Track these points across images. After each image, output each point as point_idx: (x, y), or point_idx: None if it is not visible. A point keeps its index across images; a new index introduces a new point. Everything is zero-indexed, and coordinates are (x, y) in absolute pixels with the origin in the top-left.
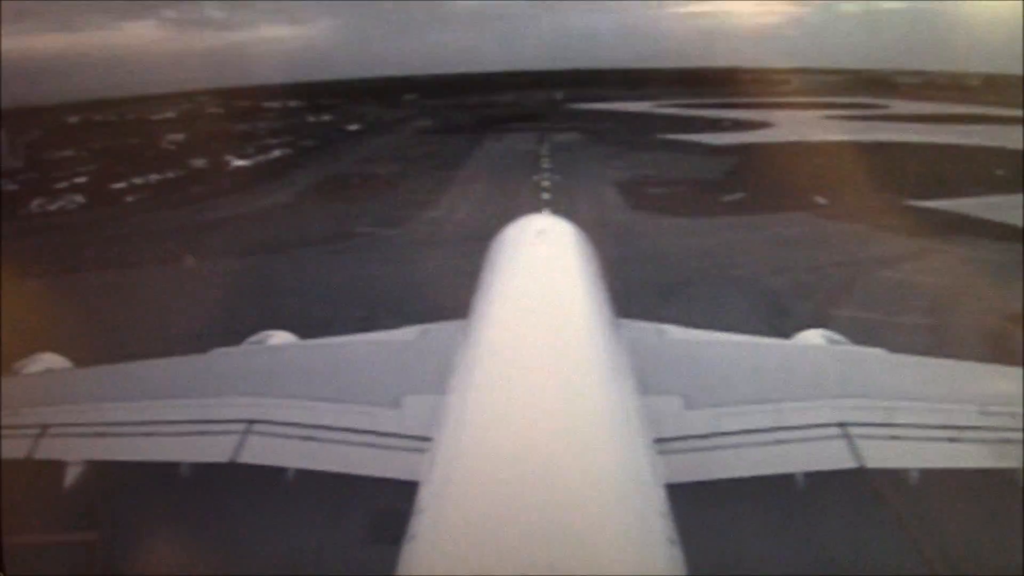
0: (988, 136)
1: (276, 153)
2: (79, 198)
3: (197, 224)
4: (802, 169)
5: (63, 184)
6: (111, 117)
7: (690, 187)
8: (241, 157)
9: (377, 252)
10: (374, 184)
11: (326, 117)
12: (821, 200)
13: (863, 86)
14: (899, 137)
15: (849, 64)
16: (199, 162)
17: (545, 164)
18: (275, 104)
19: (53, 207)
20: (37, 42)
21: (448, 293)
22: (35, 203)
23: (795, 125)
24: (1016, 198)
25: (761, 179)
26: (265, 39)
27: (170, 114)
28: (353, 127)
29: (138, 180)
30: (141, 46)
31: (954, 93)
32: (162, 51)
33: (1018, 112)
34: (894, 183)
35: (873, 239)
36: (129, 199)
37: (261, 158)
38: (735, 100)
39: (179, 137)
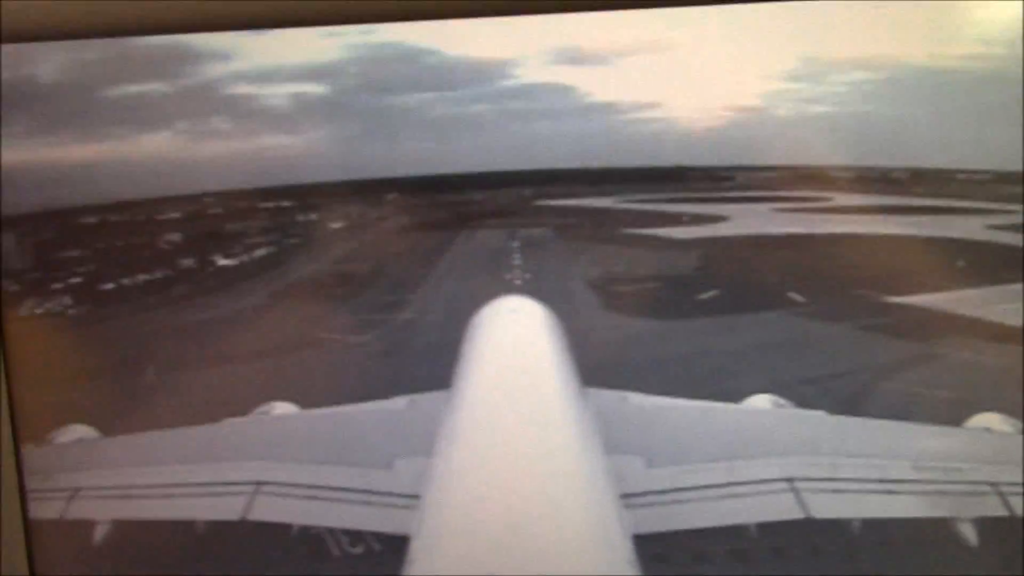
0: (936, 227)
1: (261, 252)
2: (67, 300)
3: (167, 329)
4: (769, 263)
5: (59, 285)
6: (125, 217)
7: (662, 284)
8: (228, 256)
9: (336, 364)
10: (349, 283)
11: (313, 216)
12: (798, 297)
13: (801, 180)
14: (853, 229)
15: (785, 161)
16: (188, 262)
17: (516, 261)
18: (269, 204)
19: (40, 310)
20: (65, 151)
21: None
22: (26, 305)
23: (749, 218)
24: (988, 291)
25: (732, 275)
26: (265, 147)
27: (175, 214)
28: (337, 225)
29: (127, 281)
30: (157, 154)
31: (884, 186)
32: (175, 158)
33: (951, 203)
34: (864, 277)
35: (863, 343)
36: (113, 301)
37: (246, 257)
38: (688, 195)
39: (176, 237)
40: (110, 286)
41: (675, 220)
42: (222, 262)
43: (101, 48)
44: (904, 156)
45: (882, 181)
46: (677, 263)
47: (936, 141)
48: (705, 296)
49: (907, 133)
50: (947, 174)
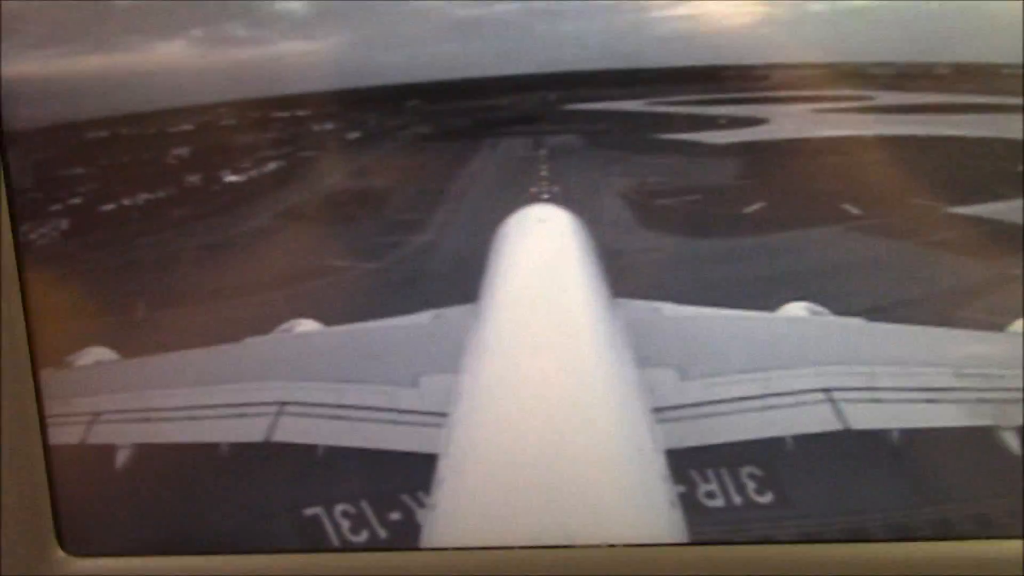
0: (987, 126)
1: (271, 166)
2: (64, 223)
3: (165, 256)
4: (817, 170)
5: (57, 206)
6: (135, 131)
7: (703, 196)
8: (236, 172)
9: (342, 299)
10: (364, 202)
11: (329, 126)
12: (853, 209)
13: (840, 78)
14: (900, 130)
15: (822, 58)
16: (194, 178)
17: (543, 172)
18: (284, 114)
19: (34, 235)
20: (76, 62)
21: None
22: (21, 229)
23: (789, 119)
24: None
25: (777, 184)
26: (282, 53)
27: (187, 126)
28: (353, 135)
29: (127, 201)
30: (171, 63)
31: (928, 82)
32: (190, 67)
33: (997, 100)
34: (921, 185)
35: (931, 263)
36: (112, 224)
37: (255, 172)
38: (722, 96)
39: (184, 151)
40: (110, 207)
41: (711, 123)
42: (229, 178)
43: None
44: (945, 51)
45: (925, 78)
46: (717, 172)
47: (977, 34)
48: (750, 209)
49: (946, 26)
50: (991, 68)
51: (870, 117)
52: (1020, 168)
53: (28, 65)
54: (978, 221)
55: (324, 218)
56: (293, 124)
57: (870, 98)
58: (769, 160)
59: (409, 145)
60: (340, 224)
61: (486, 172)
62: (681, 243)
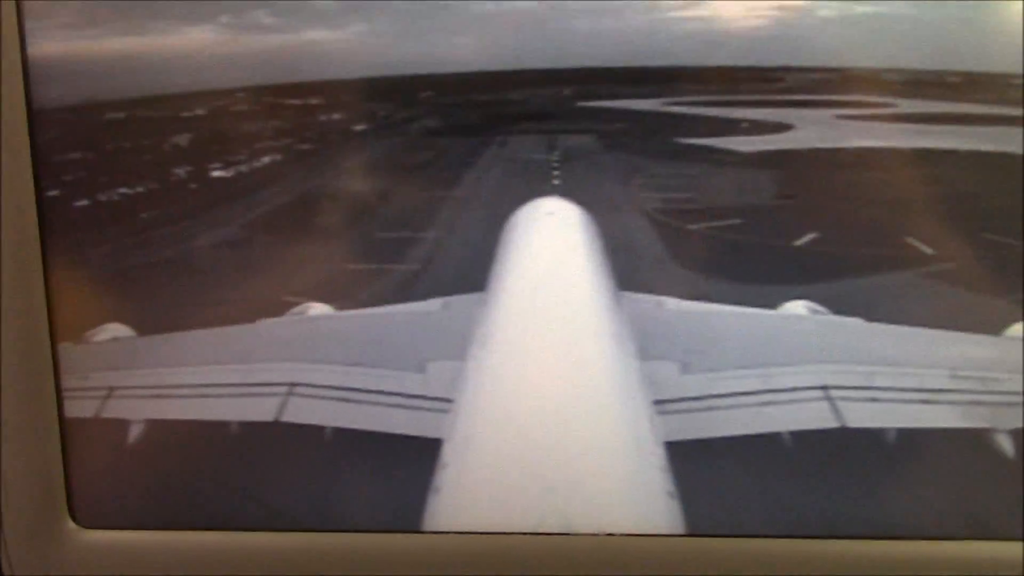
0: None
1: (264, 160)
2: (78, 204)
3: (101, 278)
4: (864, 190)
5: (62, 188)
6: (150, 113)
7: (743, 219)
8: (226, 165)
9: None
10: (351, 208)
11: (336, 116)
12: (921, 247)
13: (857, 83)
14: (936, 143)
15: (833, 63)
16: (181, 171)
17: (556, 181)
18: (296, 101)
19: (54, 213)
20: (106, 44)
21: None
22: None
23: (814, 126)
24: None
25: (826, 207)
26: (306, 41)
27: (200, 111)
28: (359, 127)
29: (103, 196)
30: (198, 48)
31: (941, 91)
32: (216, 52)
33: (1017, 111)
34: (985, 215)
35: None
36: (79, 225)
37: (244, 167)
38: (740, 99)
39: (183, 139)
40: (84, 203)
41: (732, 128)
42: (215, 173)
43: None
44: (958, 59)
45: (938, 86)
46: (753, 188)
47: (982, 45)
48: (802, 242)
49: (952, 36)
50: (1001, 79)
51: (898, 126)
52: None
53: (56, 45)
54: None
55: (297, 233)
56: (302, 113)
57: (892, 105)
58: (806, 174)
59: (415, 139)
60: (314, 241)
61: (490, 181)
62: (727, 292)
